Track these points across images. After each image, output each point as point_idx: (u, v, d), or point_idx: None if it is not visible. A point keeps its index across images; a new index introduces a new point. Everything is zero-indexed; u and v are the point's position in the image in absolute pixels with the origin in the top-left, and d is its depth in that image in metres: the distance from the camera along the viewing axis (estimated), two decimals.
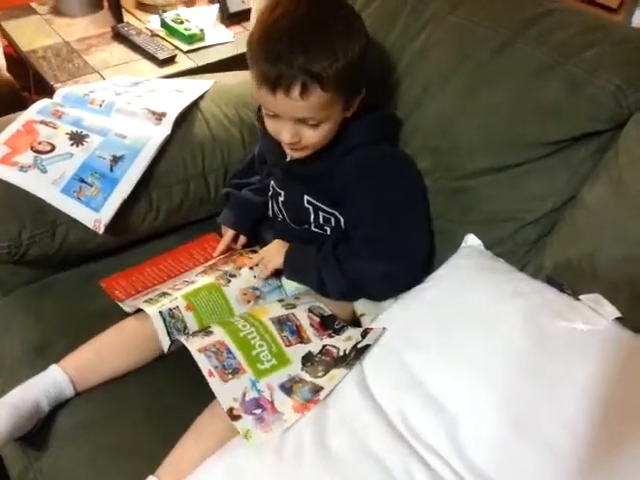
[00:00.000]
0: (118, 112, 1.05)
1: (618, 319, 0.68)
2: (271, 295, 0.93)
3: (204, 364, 0.70)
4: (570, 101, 0.77)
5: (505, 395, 0.65)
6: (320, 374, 0.70)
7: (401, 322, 0.77)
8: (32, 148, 0.96)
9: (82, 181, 0.94)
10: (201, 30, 1.49)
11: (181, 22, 1.51)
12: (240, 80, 1.25)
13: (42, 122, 1.01)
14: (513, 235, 0.86)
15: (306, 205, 0.91)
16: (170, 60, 1.41)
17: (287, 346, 0.75)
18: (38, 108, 1.04)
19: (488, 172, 0.86)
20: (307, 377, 0.70)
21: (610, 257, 0.74)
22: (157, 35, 1.51)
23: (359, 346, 0.72)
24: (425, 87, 0.91)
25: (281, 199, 0.96)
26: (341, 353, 0.73)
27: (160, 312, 0.83)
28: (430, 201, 0.93)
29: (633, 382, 0.63)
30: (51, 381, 0.81)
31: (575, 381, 0.64)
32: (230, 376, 0.69)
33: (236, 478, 0.65)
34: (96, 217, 0.93)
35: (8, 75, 1.60)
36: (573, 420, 0.61)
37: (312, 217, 0.92)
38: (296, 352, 0.74)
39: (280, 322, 0.79)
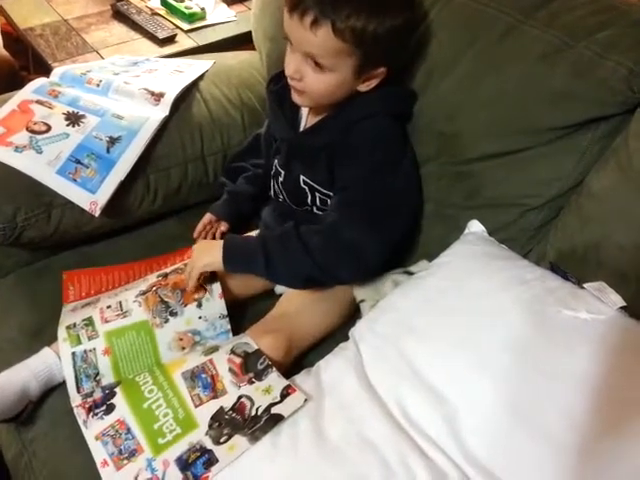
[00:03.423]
0: (116, 92, 1.04)
1: (623, 308, 0.67)
2: (214, 341, 0.84)
3: (99, 454, 0.70)
4: (579, 85, 0.74)
5: (505, 384, 0.64)
6: (222, 439, 0.67)
7: (401, 310, 0.76)
8: (27, 128, 0.94)
9: (78, 162, 0.92)
10: (202, 9, 1.46)
11: (182, 0, 1.48)
12: (241, 61, 1.23)
13: (38, 102, 0.99)
14: (517, 221, 0.85)
15: (302, 185, 0.90)
16: (170, 39, 1.39)
17: (197, 406, 0.71)
18: (34, 87, 1.02)
19: (493, 157, 0.84)
20: (208, 444, 0.67)
21: (617, 245, 0.72)
22: (157, 14, 1.48)
23: (273, 411, 0.68)
24: (430, 71, 0.89)
25: (281, 179, 0.95)
26: (253, 412, 0.69)
27: (73, 353, 0.80)
28: (433, 185, 0.92)
29: (637, 372, 0.62)
30: (42, 364, 0.81)
31: (577, 371, 0.62)
32: (125, 461, 0.68)
33: (231, 467, 0.65)
34: (92, 199, 0.91)
35: (6, 53, 1.57)
36: (574, 410, 0.60)
37: (309, 198, 0.91)
38: (205, 412, 0.70)
39: (193, 377, 0.74)
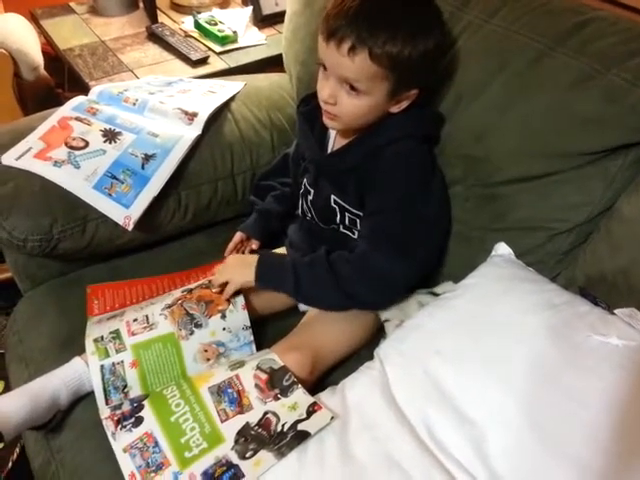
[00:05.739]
0: (151, 111, 1.07)
1: None
2: (238, 353, 0.86)
3: (126, 466, 0.70)
4: (609, 111, 0.75)
5: (531, 408, 0.63)
6: (248, 454, 0.67)
7: (427, 331, 0.76)
8: (66, 144, 0.98)
9: (114, 178, 0.95)
10: (234, 32, 1.50)
11: (215, 23, 1.52)
12: (271, 82, 1.26)
13: (77, 118, 1.03)
14: (545, 244, 0.84)
15: (333, 205, 0.91)
16: (203, 61, 1.42)
17: (223, 421, 0.72)
18: (73, 105, 1.06)
19: (520, 180, 0.84)
20: (234, 458, 0.67)
21: None
22: (191, 36, 1.52)
23: (299, 428, 0.69)
24: (459, 94, 0.90)
25: (310, 197, 0.96)
26: (279, 428, 0.69)
27: (102, 366, 0.81)
28: (459, 207, 0.93)
29: None
30: (72, 373, 0.82)
31: (607, 397, 0.62)
32: (153, 474, 0.69)
33: None
34: (126, 213, 0.94)
35: (45, 73, 1.63)
36: (601, 434, 0.59)
37: (338, 218, 0.92)
38: (232, 427, 0.71)
39: (219, 392, 0.75)
